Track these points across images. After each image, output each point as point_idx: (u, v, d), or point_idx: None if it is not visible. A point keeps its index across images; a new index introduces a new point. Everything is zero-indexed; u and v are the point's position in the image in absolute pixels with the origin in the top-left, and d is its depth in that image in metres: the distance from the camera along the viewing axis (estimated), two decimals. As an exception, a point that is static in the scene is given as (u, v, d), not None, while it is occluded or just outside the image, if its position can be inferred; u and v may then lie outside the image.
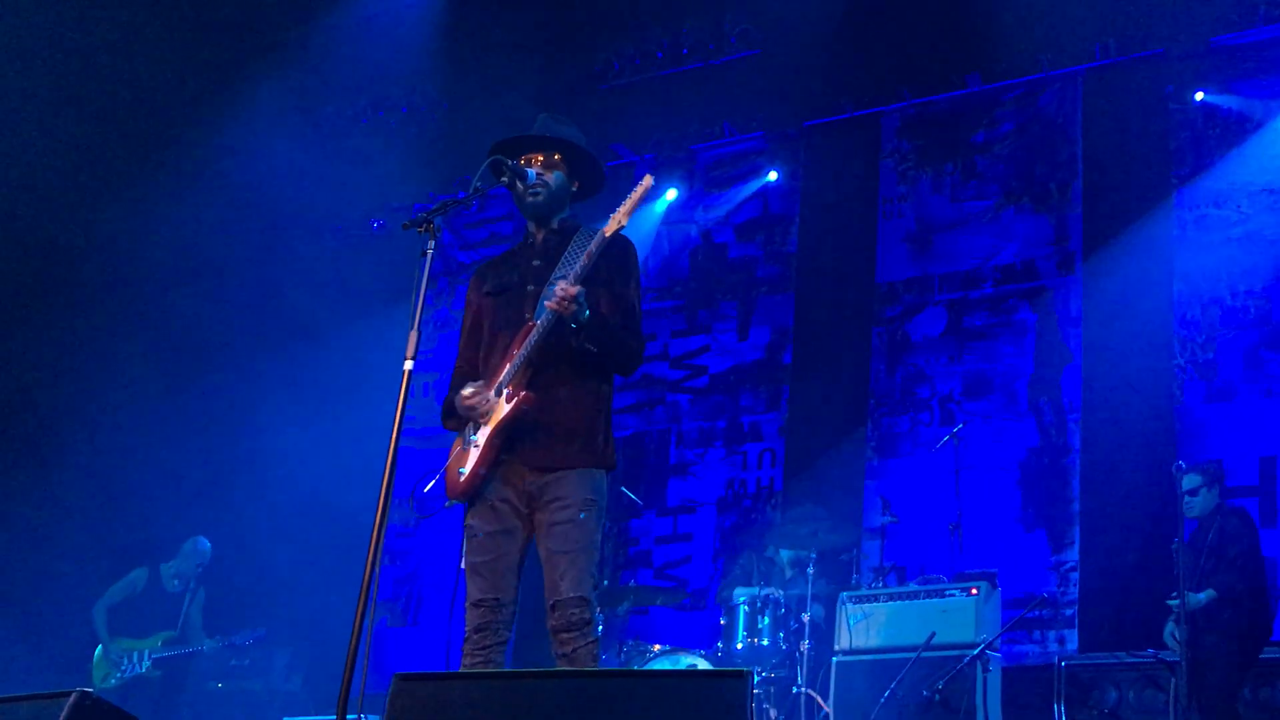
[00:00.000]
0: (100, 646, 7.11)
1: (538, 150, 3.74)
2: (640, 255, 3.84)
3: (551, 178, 3.73)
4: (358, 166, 9.28)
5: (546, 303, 3.48)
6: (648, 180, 3.59)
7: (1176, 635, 5.50)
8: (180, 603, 7.21)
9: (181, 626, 7.15)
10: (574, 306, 3.42)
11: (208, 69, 8.28)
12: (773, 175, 8.45)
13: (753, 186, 8.55)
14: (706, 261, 8.64)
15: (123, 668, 6.98)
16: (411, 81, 9.03)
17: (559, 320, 3.47)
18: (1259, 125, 7.13)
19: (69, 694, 2.77)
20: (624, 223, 3.54)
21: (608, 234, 3.53)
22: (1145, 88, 7.41)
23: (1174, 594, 5.52)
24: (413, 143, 9.11)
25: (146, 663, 7.00)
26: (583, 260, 3.52)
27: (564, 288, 3.43)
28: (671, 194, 8.63)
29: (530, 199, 3.71)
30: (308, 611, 7.83)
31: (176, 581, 7.31)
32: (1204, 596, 5.52)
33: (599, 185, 3.91)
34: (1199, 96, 7.21)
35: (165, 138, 8.45)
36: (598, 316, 3.53)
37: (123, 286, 8.65)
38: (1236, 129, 7.18)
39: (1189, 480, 5.82)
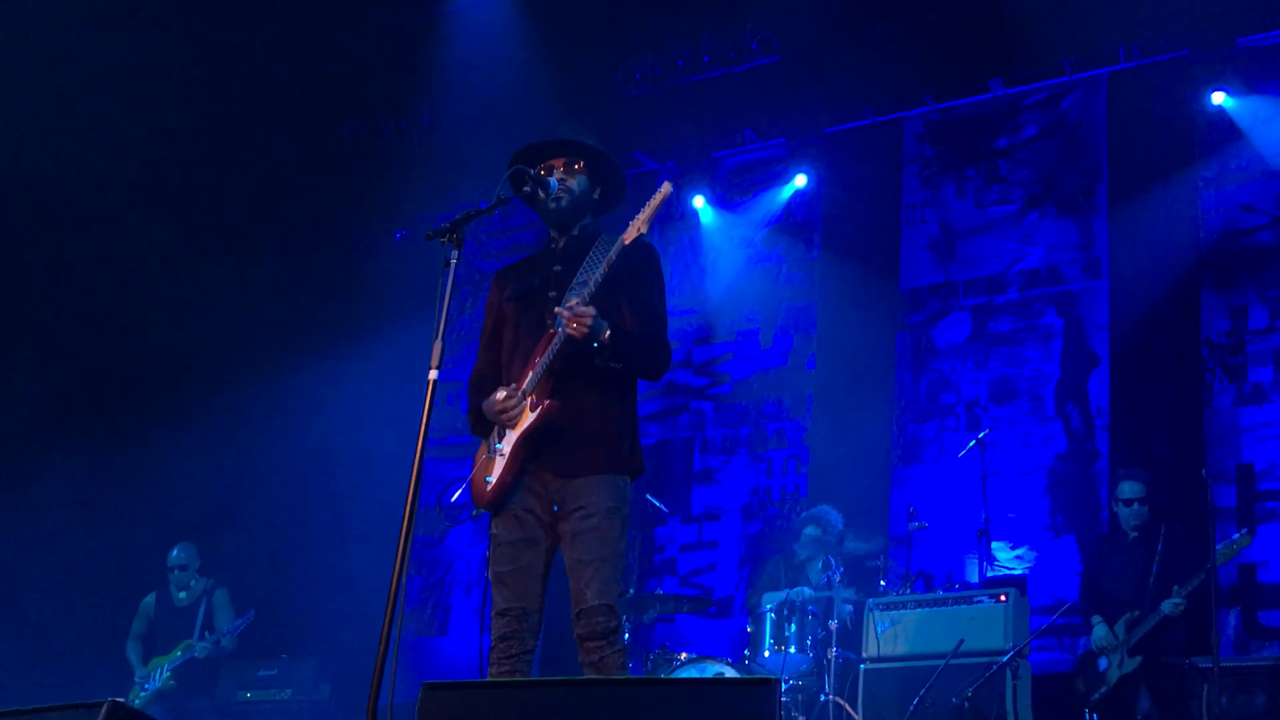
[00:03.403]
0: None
1: (559, 156, 3.76)
2: (663, 263, 3.84)
3: (574, 183, 3.73)
4: (381, 177, 9.33)
5: (561, 315, 3.48)
6: (666, 188, 3.59)
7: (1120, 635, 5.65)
8: (195, 612, 7.29)
9: (200, 633, 7.21)
10: (585, 330, 3.42)
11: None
12: (801, 179, 8.41)
13: (780, 191, 8.51)
14: (728, 268, 8.63)
15: (146, 686, 7.06)
16: (433, 93, 9.08)
17: (573, 337, 3.47)
18: (1286, 126, 7.07)
19: (101, 704, 2.79)
20: (644, 229, 3.53)
21: (627, 241, 3.53)
22: (1170, 90, 7.35)
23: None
24: (435, 153, 9.16)
25: (165, 674, 7.07)
26: (602, 269, 3.52)
27: (575, 310, 3.43)
28: (699, 201, 8.63)
29: (554, 205, 3.72)
30: (336, 620, 7.86)
31: (183, 594, 7.38)
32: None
33: (620, 195, 3.91)
34: (1218, 98, 7.14)
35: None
36: (618, 333, 3.52)
37: (145, 306, 8.73)
38: (1263, 130, 7.10)
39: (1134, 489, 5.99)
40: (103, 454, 8.40)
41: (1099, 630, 5.85)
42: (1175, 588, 5.60)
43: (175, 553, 7.42)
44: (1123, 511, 6.06)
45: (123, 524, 8.25)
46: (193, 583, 7.39)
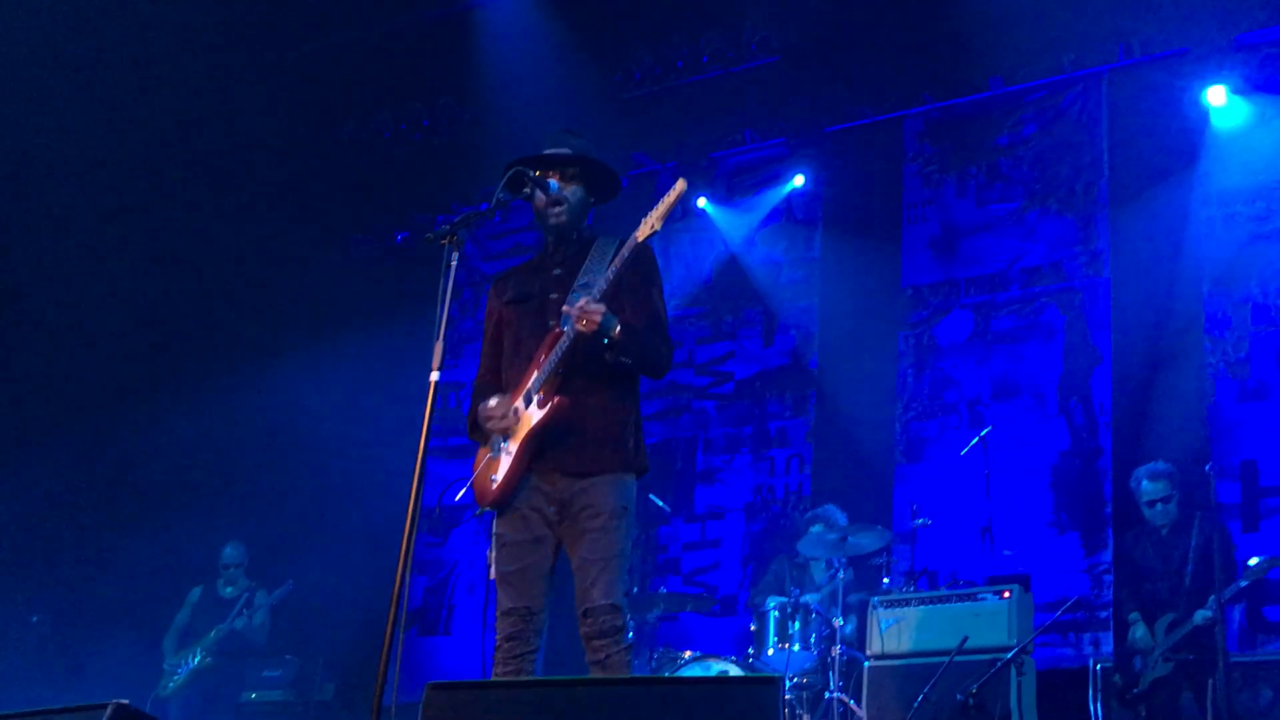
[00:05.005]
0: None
1: (555, 168, 3.75)
2: (664, 263, 3.84)
3: (570, 192, 3.73)
4: (381, 179, 9.33)
5: (569, 315, 3.48)
6: (681, 185, 3.58)
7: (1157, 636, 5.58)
8: (235, 604, 7.40)
9: (232, 622, 7.29)
10: (595, 326, 3.42)
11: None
12: (799, 179, 8.41)
13: (779, 192, 8.51)
14: (729, 268, 8.63)
15: (180, 671, 7.16)
16: (434, 94, 9.08)
17: (583, 335, 3.47)
18: (1287, 121, 7.06)
19: (106, 705, 2.79)
20: (658, 228, 3.53)
21: (640, 239, 3.53)
22: (1170, 86, 7.34)
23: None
24: (435, 154, 9.16)
25: (198, 654, 7.16)
26: (614, 266, 3.51)
27: (585, 307, 3.42)
28: (702, 201, 8.63)
29: (554, 220, 3.73)
30: (340, 621, 7.87)
31: (229, 589, 7.54)
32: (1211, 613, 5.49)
33: (615, 190, 3.91)
34: (1218, 94, 7.12)
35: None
36: (628, 329, 3.52)
37: (159, 302, 8.74)
38: (1263, 126, 7.10)
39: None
40: (101, 442, 8.45)
41: (1138, 630, 5.79)
42: (1211, 598, 5.46)
43: (228, 551, 7.61)
44: (1147, 512, 5.96)
45: (123, 516, 8.29)
46: (240, 580, 7.56)
